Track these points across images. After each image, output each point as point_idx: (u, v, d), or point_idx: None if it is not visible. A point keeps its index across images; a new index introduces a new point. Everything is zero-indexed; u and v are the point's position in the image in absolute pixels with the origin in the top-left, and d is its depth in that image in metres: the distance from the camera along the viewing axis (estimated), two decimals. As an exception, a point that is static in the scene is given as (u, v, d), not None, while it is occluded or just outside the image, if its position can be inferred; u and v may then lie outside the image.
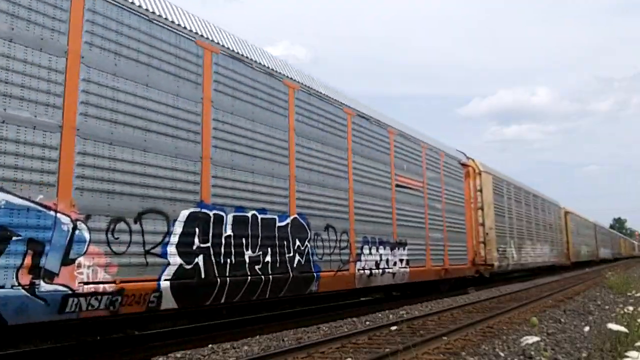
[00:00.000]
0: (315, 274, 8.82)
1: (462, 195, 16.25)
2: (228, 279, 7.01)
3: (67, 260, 5.15)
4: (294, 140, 8.73)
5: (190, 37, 6.99)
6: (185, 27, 6.94)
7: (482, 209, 17.58)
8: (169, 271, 6.19)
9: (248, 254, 7.44)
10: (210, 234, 6.82)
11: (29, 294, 4.78)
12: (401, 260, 11.75)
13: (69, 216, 5.25)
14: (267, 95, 8.37)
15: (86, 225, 5.41)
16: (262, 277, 7.67)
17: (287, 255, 8.26)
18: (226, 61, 7.58)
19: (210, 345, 7.02)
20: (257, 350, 6.82)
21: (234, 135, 7.51)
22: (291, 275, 8.31)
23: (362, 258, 10.24)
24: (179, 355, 6.53)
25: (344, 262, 9.68)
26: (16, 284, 4.71)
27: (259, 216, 7.72)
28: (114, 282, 5.56)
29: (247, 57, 8.06)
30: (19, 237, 4.76)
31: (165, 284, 6.09)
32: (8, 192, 4.77)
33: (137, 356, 6.44)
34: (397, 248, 11.61)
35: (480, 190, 17.67)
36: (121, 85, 5.94)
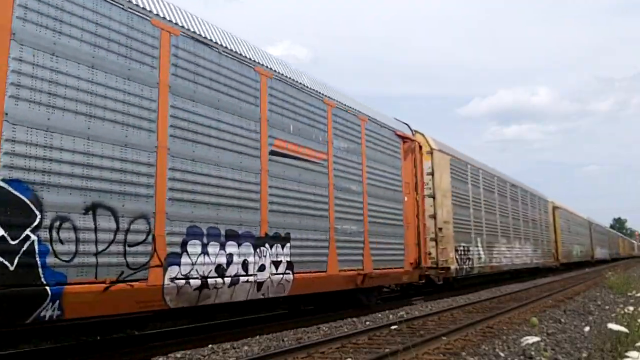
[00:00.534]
0: (50, 290, 5.02)
1: (399, 177, 12.12)
2: None
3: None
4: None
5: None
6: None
7: (433, 197, 14.38)
8: None
9: None
10: None
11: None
12: (277, 263, 8.11)
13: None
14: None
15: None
16: None
17: None
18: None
19: (210, 345, 7.01)
20: (257, 350, 6.82)
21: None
22: None
23: (184, 260, 6.52)
24: (179, 355, 6.53)
25: (134, 267, 5.91)
26: None
27: None
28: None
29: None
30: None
31: None
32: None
33: (137, 356, 6.43)
34: (269, 245, 7.96)
35: (432, 174, 14.45)
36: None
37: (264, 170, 7.95)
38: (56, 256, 5.14)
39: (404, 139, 12.63)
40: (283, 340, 7.53)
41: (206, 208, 6.95)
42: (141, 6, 6.40)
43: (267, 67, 8.37)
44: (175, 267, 6.44)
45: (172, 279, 6.35)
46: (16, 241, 4.85)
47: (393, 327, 7.34)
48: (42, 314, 5.04)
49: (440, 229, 14.42)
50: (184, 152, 6.72)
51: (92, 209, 5.56)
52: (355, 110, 10.79)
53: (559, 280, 22.55)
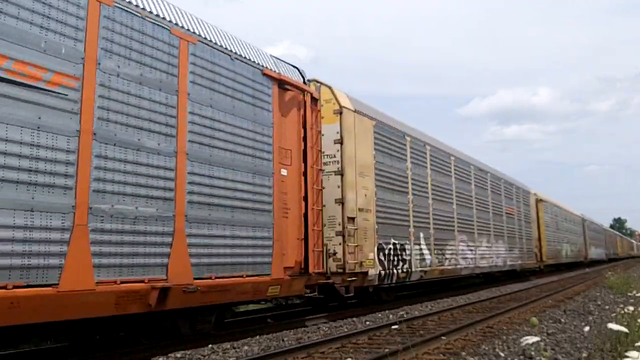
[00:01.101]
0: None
1: (267, 138, 8.18)
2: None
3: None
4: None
5: None
6: None
7: (342, 174, 10.29)
8: None
9: None
10: None
11: None
12: None
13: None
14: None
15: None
16: None
17: None
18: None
19: (210, 345, 7.01)
20: (257, 350, 6.82)
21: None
22: None
23: None
24: (179, 355, 6.53)
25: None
26: None
27: None
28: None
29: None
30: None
31: None
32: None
33: (137, 356, 6.43)
34: None
35: (341, 142, 10.44)
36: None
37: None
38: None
39: (280, 83, 8.43)
40: (283, 340, 7.53)
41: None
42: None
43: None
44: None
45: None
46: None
47: (394, 327, 7.34)
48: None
49: (352, 219, 10.22)
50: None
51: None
52: (164, 22, 6.78)
53: (559, 280, 22.55)
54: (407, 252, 12.39)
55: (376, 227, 11.10)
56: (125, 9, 6.29)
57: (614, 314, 7.73)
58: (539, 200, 27.36)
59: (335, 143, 10.49)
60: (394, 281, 11.76)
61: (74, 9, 5.71)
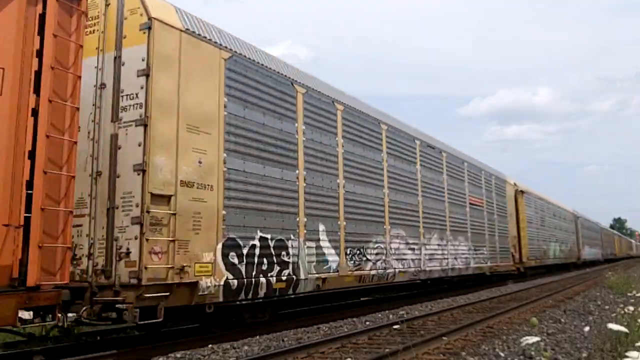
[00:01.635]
0: None
1: None
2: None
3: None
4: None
5: None
6: None
7: (145, 125, 6.52)
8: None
9: None
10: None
11: None
12: None
13: None
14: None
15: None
16: None
17: None
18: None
19: (210, 345, 7.01)
20: (257, 350, 6.82)
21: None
22: None
23: None
24: (179, 355, 6.53)
25: None
26: None
27: None
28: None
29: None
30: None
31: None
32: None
33: (137, 356, 6.43)
34: None
35: (148, 74, 6.63)
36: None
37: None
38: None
39: None
40: (283, 340, 7.53)
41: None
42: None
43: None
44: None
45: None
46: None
47: (394, 327, 7.34)
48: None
49: (165, 197, 6.57)
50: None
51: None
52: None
53: (559, 280, 22.54)
54: (292, 251, 8.58)
55: (223, 212, 7.34)
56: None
57: (614, 314, 7.73)
58: (519, 192, 23.22)
59: (139, 76, 6.61)
60: (261, 295, 7.89)
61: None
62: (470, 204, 16.96)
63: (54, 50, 5.47)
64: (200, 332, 8.03)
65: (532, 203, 25.46)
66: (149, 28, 6.69)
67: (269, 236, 8.16)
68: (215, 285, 7.07)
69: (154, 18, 6.72)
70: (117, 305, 6.09)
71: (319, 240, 9.31)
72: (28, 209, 5.04)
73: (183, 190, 6.80)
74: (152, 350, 6.64)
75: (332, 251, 9.65)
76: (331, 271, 9.52)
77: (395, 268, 11.65)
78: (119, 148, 6.53)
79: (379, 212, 11.30)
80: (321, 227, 9.43)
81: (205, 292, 6.93)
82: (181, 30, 7.10)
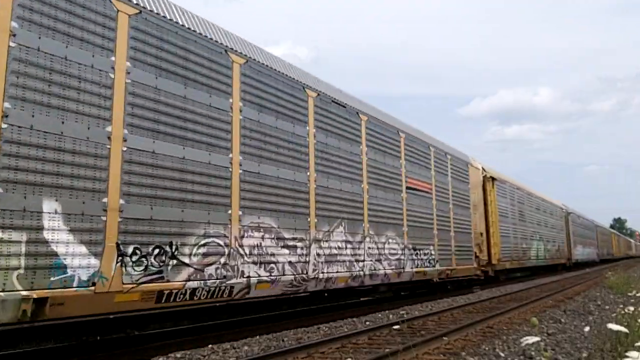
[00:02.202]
0: None
1: None
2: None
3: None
4: None
5: None
6: None
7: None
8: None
9: None
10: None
11: None
12: None
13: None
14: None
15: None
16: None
17: None
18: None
19: (210, 345, 7.02)
20: (257, 350, 6.82)
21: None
22: None
23: None
24: (179, 355, 6.53)
25: None
26: None
27: None
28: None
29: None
30: None
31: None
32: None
33: (137, 356, 6.43)
34: None
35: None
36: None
37: None
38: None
39: None
40: (283, 340, 7.53)
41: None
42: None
43: None
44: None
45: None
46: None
47: (394, 327, 7.35)
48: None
49: None
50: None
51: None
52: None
53: (559, 280, 22.54)
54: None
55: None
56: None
57: (614, 314, 7.73)
58: (489, 179, 18.80)
59: None
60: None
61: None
62: (409, 187, 12.55)
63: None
64: (200, 332, 7.99)
65: (508, 193, 21.32)
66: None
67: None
68: None
69: None
70: None
71: (43, 228, 5.21)
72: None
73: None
74: (152, 350, 6.64)
75: (81, 249, 5.52)
76: (70, 286, 5.37)
77: (248, 277, 7.56)
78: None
79: (212, 187, 7.17)
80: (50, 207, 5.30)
81: None
82: None
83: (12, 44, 5.16)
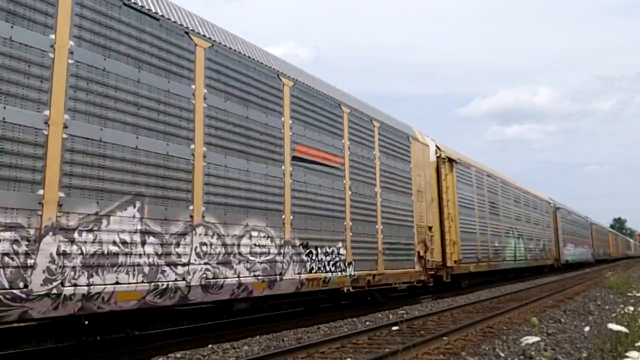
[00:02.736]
0: None
1: None
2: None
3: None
4: None
5: None
6: None
7: None
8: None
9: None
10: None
11: None
12: None
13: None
14: None
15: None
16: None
17: None
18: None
19: (210, 345, 7.02)
20: (257, 350, 6.82)
21: None
22: None
23: None
24: (179, 355, 6.53)
25: None
26: None
27: None
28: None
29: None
30: None
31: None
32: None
33: (137, 356, 6.43)
34: None
35: None
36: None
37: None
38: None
39: None
40: (283, 340, 7.53)
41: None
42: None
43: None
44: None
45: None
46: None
47: (394, 328, 7.34)
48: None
49: None
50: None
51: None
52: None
53: (559, 280, 22.54)
54: None
55: None
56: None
57: (614, 314, 7.73)
58: (445, 160, 15.24)
59: None
60: None
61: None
62: (297, 158, 8.94)
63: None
64: (200, 332, 7.94)
65: (475, 180, 17.62)
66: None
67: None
68: None
69: None
70: None
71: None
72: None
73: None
74: (152, 350, 6.64)
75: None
76: None
77: None
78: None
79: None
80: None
81: None
82: None
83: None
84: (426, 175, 13.92)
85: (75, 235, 5.46)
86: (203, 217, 6.96)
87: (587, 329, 6.43)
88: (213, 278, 6.95)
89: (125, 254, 5.94)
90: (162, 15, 6.76)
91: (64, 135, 5.47)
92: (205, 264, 6.90)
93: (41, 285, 5.10)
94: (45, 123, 5.31)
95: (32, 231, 5.08)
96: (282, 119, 8.72)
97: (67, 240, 5.37)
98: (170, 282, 6.36)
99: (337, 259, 9.67)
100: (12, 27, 5.15)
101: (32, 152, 5.16)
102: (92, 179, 5.69)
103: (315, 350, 6.59)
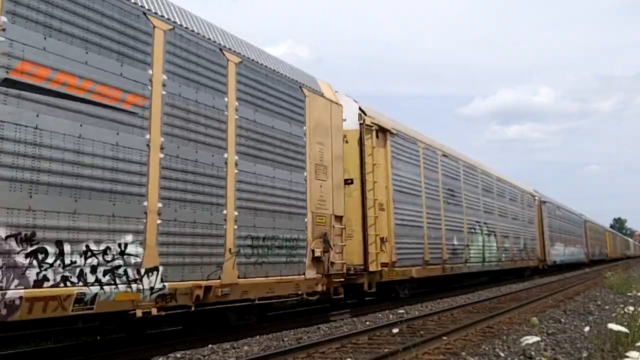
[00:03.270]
0: None
1: None
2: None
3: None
4: None
5: None
6: None
7: None
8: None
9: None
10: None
11: None
12: None
13: None
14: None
15: None
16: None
17: None
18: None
19: (210, 345, 7.01)
20: (257, 350, 6.82)
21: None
22: None
23: None
24: (179, 355, 6.53)
25: None
26: None
27: None
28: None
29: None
30: None
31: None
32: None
33: (137, 356, 6.43)
34: None
35: None
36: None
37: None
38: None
39: None
40: (283, 340, 7.53)
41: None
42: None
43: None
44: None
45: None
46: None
47: (395, 330, 7.34)
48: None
49: None
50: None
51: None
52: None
53: (559, 280, 22.54)
54: None
55: None
56: None
57: (614, 314, 7.73)
58: (372, 128, 11.51)
59: None
60: None
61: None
62: (18, 83, 5.12)
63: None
64: (200, 331, 7.89)
65: (421, 158, 13.76)
66: None
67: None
68: None
69: None
70: None
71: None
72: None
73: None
74: (152, 350, 6.64)
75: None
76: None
77: None
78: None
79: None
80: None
81: None
82: None
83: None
84: (335, 146, 9.93)
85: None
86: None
87: (587, 329, 6.43)
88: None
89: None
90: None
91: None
92: None
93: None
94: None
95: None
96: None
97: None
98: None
99: (119, 262, 5.91)
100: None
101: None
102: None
103: (315, 350, 6.59)
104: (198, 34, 7.36)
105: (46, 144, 5.28)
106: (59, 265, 5.27)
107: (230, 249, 7.44)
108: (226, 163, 7.51)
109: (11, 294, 4.84)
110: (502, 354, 6.36)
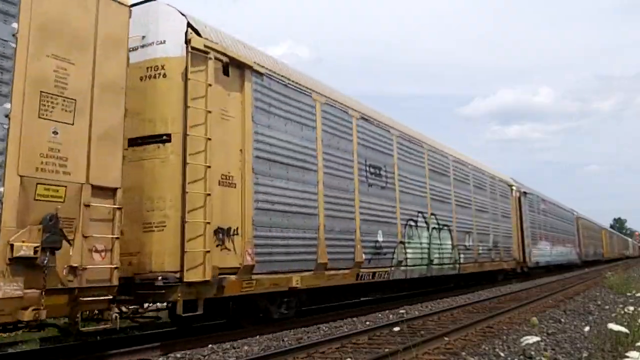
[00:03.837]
0: None
1: None
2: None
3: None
4: None
5: None
6: None
7: None
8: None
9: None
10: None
11: None
12: None
13: None
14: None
15: None
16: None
17: None
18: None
19: (210, 345, 7.02)
20: (257, 350, 6.82)
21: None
22: None
23: None
24: (179, 355, 6.53)
25: None
26: None
27: None
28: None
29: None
30: None
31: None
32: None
33: (137, 356, 6.43)
34: None
35: None
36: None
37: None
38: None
39: None
40: (283, 340, 7.53)
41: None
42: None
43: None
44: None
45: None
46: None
47: (395, 329, 7.35)
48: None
49: None
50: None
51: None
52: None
53: (560, 280, 22.54)
54: None
55: None
56: None
57: (614, 314, 7.73)
58: (208, 54, 7.35)
59: None
60: None
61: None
62: None
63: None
64: (200, 332, 7.96)
65: (318, 118, 9.79)
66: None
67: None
68: None
69: None
70: None
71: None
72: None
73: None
74: (152, 350, 6.64)
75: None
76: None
77: None
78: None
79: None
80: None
81: None
82: None
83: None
84: (104, 69, 5.82)
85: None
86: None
87: (587, 329, 6.43)
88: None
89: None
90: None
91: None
92: None
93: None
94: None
95: None
96: None
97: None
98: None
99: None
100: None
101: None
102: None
103: (315, 350, 6.59)
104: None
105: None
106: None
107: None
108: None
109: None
110: (502, 354, 6.36)
